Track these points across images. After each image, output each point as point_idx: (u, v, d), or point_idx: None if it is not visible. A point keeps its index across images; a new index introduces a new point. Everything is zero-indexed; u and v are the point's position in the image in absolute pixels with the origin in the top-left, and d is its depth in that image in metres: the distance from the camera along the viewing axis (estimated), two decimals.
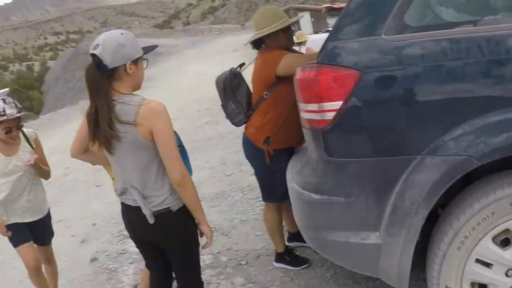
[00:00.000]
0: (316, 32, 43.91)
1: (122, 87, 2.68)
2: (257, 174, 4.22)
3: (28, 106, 76.39)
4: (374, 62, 2.55)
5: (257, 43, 4.05)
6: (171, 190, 2.70)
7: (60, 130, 19.61)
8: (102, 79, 2.61)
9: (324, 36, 14.69)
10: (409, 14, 2.60)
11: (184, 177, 2.67)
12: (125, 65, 2.65)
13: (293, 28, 4.10)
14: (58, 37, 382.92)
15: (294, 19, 4.11)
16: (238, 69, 4.15)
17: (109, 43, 2.61)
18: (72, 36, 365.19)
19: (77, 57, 71.13)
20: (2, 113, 3.83)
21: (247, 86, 4.11)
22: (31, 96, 79.82)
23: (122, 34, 2.70)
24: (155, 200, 2.70)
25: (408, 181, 2.54)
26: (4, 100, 3.92)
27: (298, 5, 64.11)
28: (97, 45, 2.63)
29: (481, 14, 2.75)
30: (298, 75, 2.87)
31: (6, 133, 3.94)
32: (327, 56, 2.66)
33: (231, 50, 39.21)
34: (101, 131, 2.61)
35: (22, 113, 4.03)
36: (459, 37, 2.48)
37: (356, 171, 2.68)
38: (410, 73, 2.50)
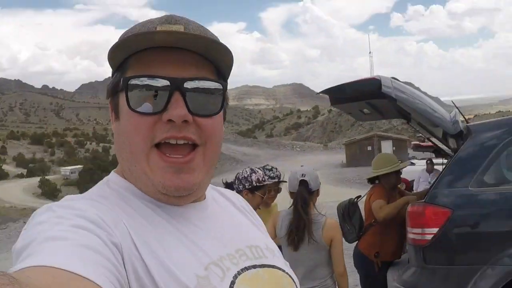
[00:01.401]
0: None
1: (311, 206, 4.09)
2: (362, 281, 5.45)
3: None
4: (461, 204, 4.24)
5: (372, 179, 5.52)
6: (334, 278, 4.01)
7: None
8: (309, 199, 4.01)
9: (415, 168, 16.10)
10: (487, 175, 4.31)
11: (345, 270, 3.96)
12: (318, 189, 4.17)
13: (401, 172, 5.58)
14: None
15: (404, 165, 5.64)
16: (355, 199, 5.52)
17: (311, 174, 4.13)
18: None
19: None
20: (263, 179, 4.32)
21: (361, 214, 5.40)
22: (104, 178, 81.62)
23: (314, 169, 4.33)
24: (323, 283, 3.97)
25: (476, 284, 4.06)
26: (263, 168, 4.72)
27: (382, 133, 65.16)
28: (304, 174, 4.07)
29: None
30: (410, 208, 4.42)
31: (265, 195, 4.40)
32: (430, 198, 4.29)
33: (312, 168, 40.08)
34: (299, 234, 3.97)
35: (282, 180, 4.71)
36: None
37: (443, 274, 4.24)
38: (484, 213, 4.22)
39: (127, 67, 1.04)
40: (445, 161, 12.85)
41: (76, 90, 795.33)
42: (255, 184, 4.21)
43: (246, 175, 4.27)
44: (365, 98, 4.93)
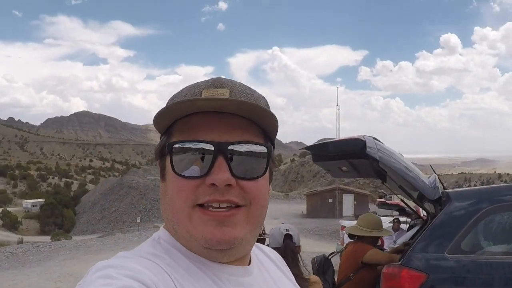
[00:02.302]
0: (355, 216, 44.79)
1: None
2: None
3: (59, 223, 77.39)
4: (437, 269, 4.24)
5: (353, 235, 5.64)
6: None
7: (96, 256, 20.03)
8: (294, 252, 3.86)
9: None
10: (464, 242, 4.39)
11: None
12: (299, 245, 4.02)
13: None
14: (104, 163, 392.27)
15: (383, 234, 5.87)
16: (330, 256, 5.72)
17: (294, 229, 4.04)
18: (117, 165, 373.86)
19: (120, 188, 73.34)
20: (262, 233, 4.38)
21: (334, 270, 5.55)
22: (64, 213, 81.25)
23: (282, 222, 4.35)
24: None
25: None
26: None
27: (344, 186, 65.56)
28: (287, 229, 3.97)
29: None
30: (385, 269, 4.40)
31: None
32: (407, 261, 4.29)
33: (271, 217, 40.20)
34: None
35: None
36: (488, 261, 4.30)
37: None
38: (458, 280, 4.25)
39: (173, 132, 1.07)
40: (408, 220, 12.99)
41: (41, 124, 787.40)
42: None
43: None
44: (348, 157, 4.99)
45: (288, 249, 3.85)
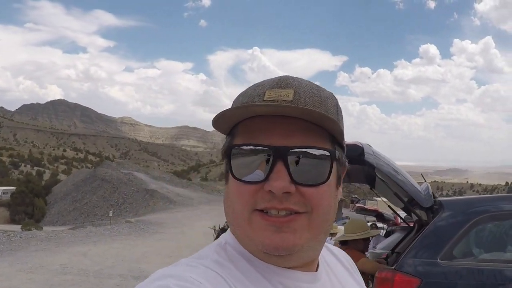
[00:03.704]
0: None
1: None
2: None
3: (30, 212, 76.25)
4: (430, 275, 4.34)
5: (341, 242, 5.71)
6: None
7: (68, 249, 19.76)
8: None
9: None
10: (457, 249, 4.54)
11: None
12: None
13: (370, 239, 5.50)
14: (77, 154, 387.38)
15: (373, 233, 5.98)
16: None
17: None
18: (90, 157, 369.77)
19: (93, 180, 72.50)
20: None
21: None
22: (35, 203, 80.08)
23: None
24: None
25: None
26: None
27: None
28: None
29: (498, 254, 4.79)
30: (379, 273, 4.52)
31: None
32: (400, 266, 4.38)
33: None
34: None
35: None
36: (480, 268, 4.44)
37: None
38: (451, 285, 4.36)
39: (236, 134, 1.04)
40: (385, 226, 13.09)
41: (16, 110, 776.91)
42: None
43: None
44: None
45: None
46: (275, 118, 0.98)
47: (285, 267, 1.04)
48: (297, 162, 0.97)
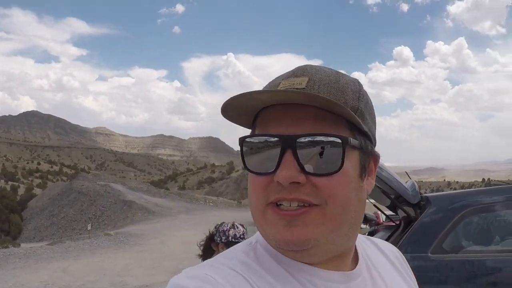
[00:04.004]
0: None
1: None
2: None
3: (6, 229, 75.06)
4: (421, 269, 4.50)
5: None
6: None
7: (47, 265, 19.45)
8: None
9: None
10: (446, 243, 4.69)
11: None
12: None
13: None
14: (52, 167, 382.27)
15: (362, 231, 5.41)
16: None
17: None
18: (65, 169, 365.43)
19: (69, 194, 71.65)
20: (242, 236, 4.35)
21: None
22: (11, 219, 78.86)
23: None
24: None
25: None
26: (243, 225, 4.50)
27: None
28: None
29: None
30: None
31: None
32: None
33: None
34: None
35: None
36: (469, 260, 4.64)
37: None
38: (442, 279, 4.54)
39: (255, 126, 1.02)
40: (367, 226, 13.09)
41: None
42: (231, 240, 4.27)
43: (225, 229, 4.37)
44: None
45: None
46: (287, 107, 0.94)
47: (314, 265, 1.00)
48: (307, 151, 0.92)
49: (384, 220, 11.77)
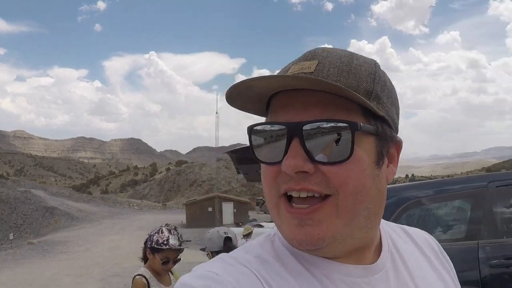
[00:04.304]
0: (236, 223, 45.32)
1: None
2: None
3: None
4: None
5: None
6: None
7: None
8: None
9: (264, 230, 17.74)
10: None
11: None
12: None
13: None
14: None
15: None
16: None
17: (232, 232, 4.35)
18: None
19: None
20: (165, 242, 4.05)
21: None
22: None
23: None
24: None
25: None
26: (169, 230, 4.17)
27: (224, 195, 66.10)
28: (226, 232, 4.41)
29: None
30: None
31: (163, 263, 4.06)
32: None
33: (150, 228, 39.41)
34: None
35: (183, 247, 4.20)
36: None
37: None
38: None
39: (268, 113, 0.98)
40: None
41: None
42: (154, 245, 4.03)
43: (152, 233, 4.14)
44: None
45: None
46: (296, 93, 0.90)
47: (333, 259, 0.96)
48: (315, 138, 0.87)
49: None
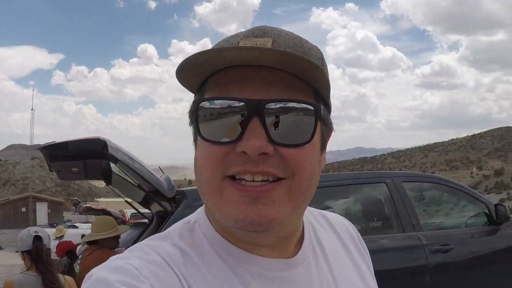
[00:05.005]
0: (50, 224, 43.61)
1: None
2: None
3: None
4: None
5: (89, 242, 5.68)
6: None
7: None
8: (47, 254, 4.08)
9: (79, 231, 17.81)
10: None
11: None
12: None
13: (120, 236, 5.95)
14: None
15: (122, 230, 5.93)
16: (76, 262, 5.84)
17: (44, 232, 4.15)
18: None
19: None
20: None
21: (75, 275, 5.77)
22: None
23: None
24: None
25: None
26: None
27: (38, 195, 63.48)
28: (37, 231, 4.05)
29: None
30: None
31: None
32: None
33: None
34: None
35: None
36: None
37: None
38: None
39: (205, 89, 0.90)
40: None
41: None
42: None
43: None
44: (86, 157, 5.00)
45: (40, 251, 3.88)
46: (250, 69, 0.84)
47: (254, 252, 0.92)
48: (276, 118, 0.82)
49: (130, 218, 11.90)
